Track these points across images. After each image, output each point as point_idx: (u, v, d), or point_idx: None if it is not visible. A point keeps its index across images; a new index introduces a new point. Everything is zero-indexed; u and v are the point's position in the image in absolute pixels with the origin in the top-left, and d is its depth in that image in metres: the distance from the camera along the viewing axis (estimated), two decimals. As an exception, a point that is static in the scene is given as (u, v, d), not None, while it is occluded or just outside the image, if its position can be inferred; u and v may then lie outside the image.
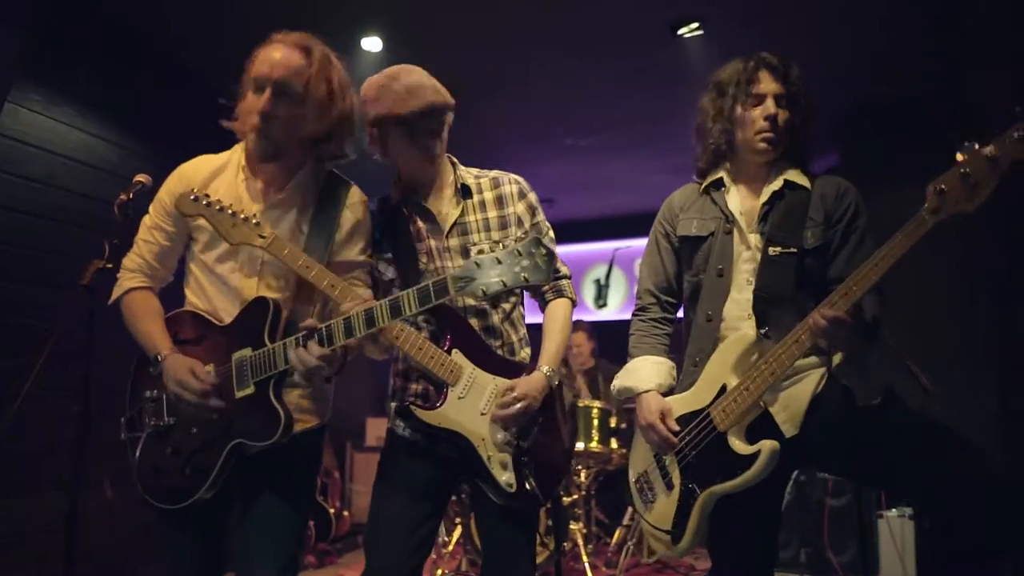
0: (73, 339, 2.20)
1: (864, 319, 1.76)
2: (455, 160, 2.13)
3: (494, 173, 2.14)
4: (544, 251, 1.46)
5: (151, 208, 2.00)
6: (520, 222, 2.06)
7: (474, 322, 1.98)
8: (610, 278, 7.78)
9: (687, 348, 2.08)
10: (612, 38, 4.28)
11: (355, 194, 1.96)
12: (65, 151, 3.76)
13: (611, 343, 5.90)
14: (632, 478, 2.11)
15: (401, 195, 2.05)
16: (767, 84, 1.95)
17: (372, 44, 4.33)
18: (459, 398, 1.90)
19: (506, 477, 1.87)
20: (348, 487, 5.36)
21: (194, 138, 4.58)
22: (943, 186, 1.57)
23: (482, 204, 2.06)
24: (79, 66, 3.83)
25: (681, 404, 2.00)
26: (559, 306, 2.10)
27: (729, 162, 2.07)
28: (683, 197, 2.15)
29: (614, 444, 4.45)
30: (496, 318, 2.01)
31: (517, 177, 2.13)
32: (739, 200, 2.02)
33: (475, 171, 2.14)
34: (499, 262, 1.46)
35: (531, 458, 1.92)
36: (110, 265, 2.22)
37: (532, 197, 2.12)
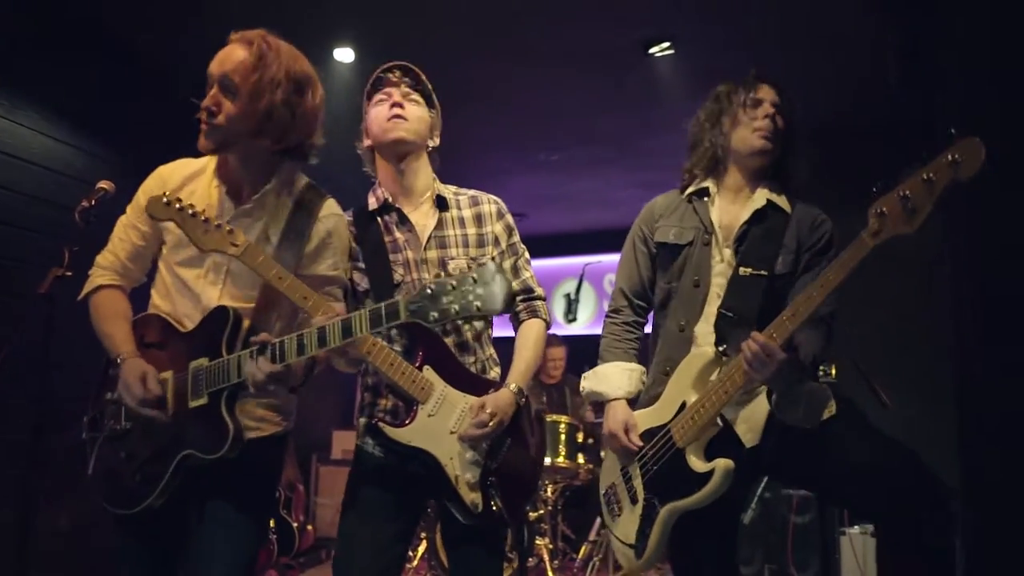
0: (30, 348, 2.14)
1: (798, 358, 1.78)
2: (436, 175, 2.12)
3: (472, 192, 2.13)
4: (502, 281, 1.43)
5: (128, 207, 1.95)
6: (497, 241, 2.06)
7: (448, 339, 1.96)
8: (580, 293, 7.81)
9: (656, 355, 2.10)
10: (584, 55, 4.32)
11: (330, 207, 1.91)
12: (28, 156, 3.69)
13: (581, 358, 5.93)
14: (602, 491, 2.14)
15: (379, 202, 2.03)
16: (767, 92, 2.03)
17: (344, 55, 4.32)
18: (429, 416, 1.87)
19: (472, 497, 1.85)
20: (313, 500, 5.29)
21: (160, 144, 4.51)
22: (884, 208, 1.61)
23: (461, 220, 2.05)
24: (43, 69, 3.76)
25: (645, 419, 2.03)
26: (532, 326, 2.08)
27: (716, 174, 2.10)
28: (665, 203, 2.17)
29: (581, 459, 4.45)
30: (469, 335, 1.99)
31: (495, 198, 2.14)
32: (720, 213, 2.05)
33: (453, 188, 2.13)
34: (453, 288, 1.44)
35: (499, 478, 1.89)
36: (69, 273, 2.18)
37: (509, 218, 2.12)
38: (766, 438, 1.87)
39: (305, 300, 1.73)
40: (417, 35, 4.16)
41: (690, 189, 2.10)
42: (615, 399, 2.07)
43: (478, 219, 2.07)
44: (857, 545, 4.12)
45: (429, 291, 1.45)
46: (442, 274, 1.89)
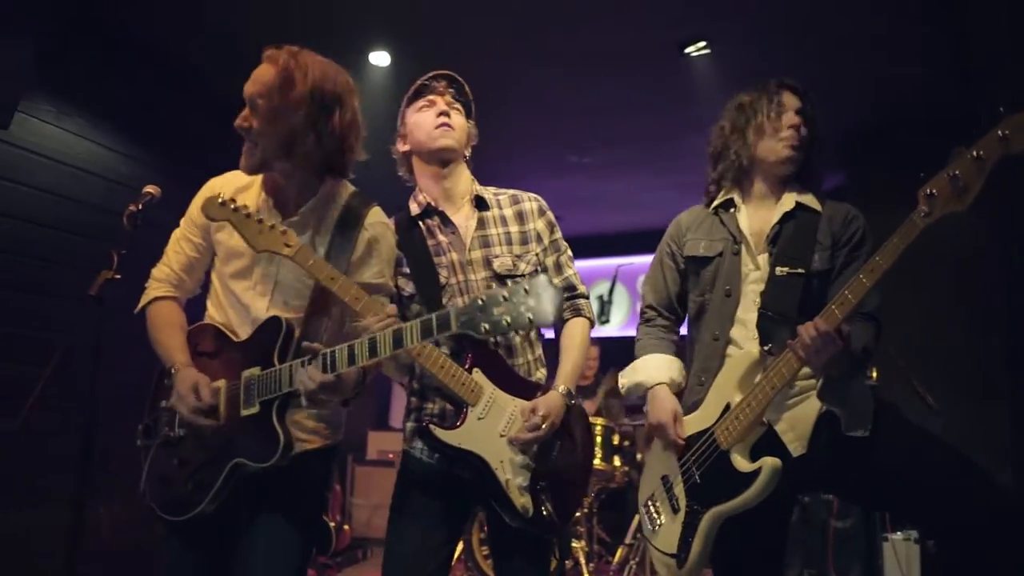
0: (80, 350, 2.19)
1: (851, 346, 1.75)
2: (473, 178, 2.14)
3: (512, 191, 2.14)
4: (553, 292, 1.42)
5: (182, 220, 1.99)
6: (539, 238, 2.05)
7: (500, 341, 1.96)
8: (613, 294, 7.78)
9: (691, 367, 2.08)
10: (619, 56, 4.30)
11: (375, 215, 1.90)
12: (74, 161, 3.78)
13: (614, 359, 5.90)
14: (641, 501, 2.10)
15: (420, 207, 2.05)
16: (790, 101, 2.02)
17: (380, 59, 4.36)
18: (478, 419, 1.87)
19: (523, 502, 1.84)
20: (349, 501, 5.33)
21: (203, 149, 4.61)
22: (933, 190, 1.62)
23: (502, 219, 2.05)
24: (90, 77, 3.86)
25: (689, 424, 1.99)
26: (577, 325, 2.06)
27: (741, 185, 2.09)
28: (691, 217, 2.16)
29: (617, 462, 4.43)
30: (518, 338, 1.98)
31: (535, 195, 2.14)
32: (749, 221, 2.04)
33: (492, 189, 2.14)
34: (504, 299, 1.43)
35: (549, 483, 1.88)
36: (118, 276, 2.22)
37: (550, 215, 2.12)
38: (814, 447, 1.83)
39: (356, 301, 1.73)
40: (451, 39, 4.19)
41: (716, 202, 2.10)
42: (657, 384, 2.04)
43: (519, 217, 2.07)
44: (900, 551, 4.04)
45: (480, 302, 1.45)
46: (488, 277, 1.92)
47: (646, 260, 8.35)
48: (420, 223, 2.04)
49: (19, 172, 3.49)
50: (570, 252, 2.12)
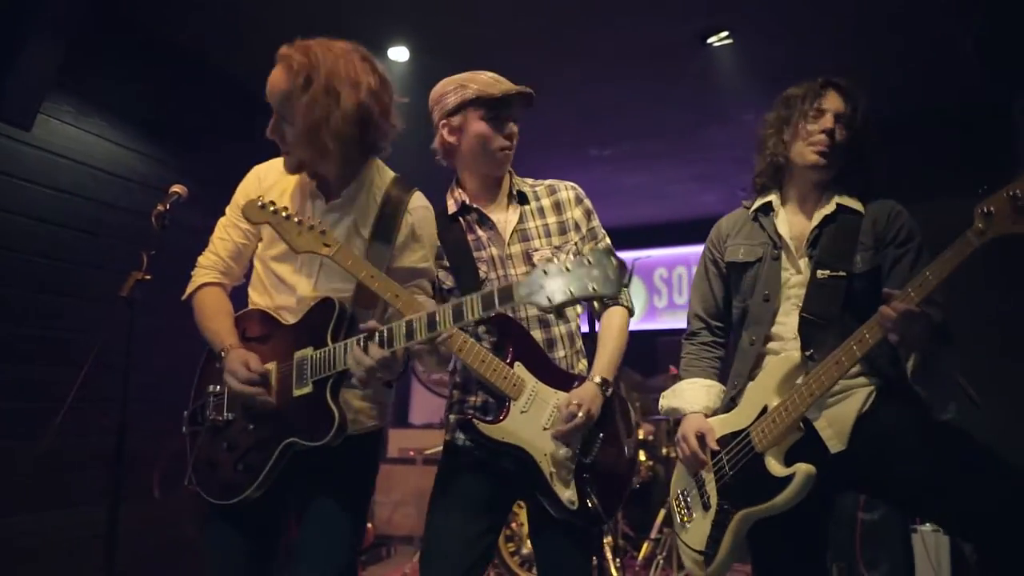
0: (110, 351, 2.19)
1: (934, 318, 1.71)
2: (512, 170, 2.12)
3: (549, 181, 2.14)
4: (615, 262, 1.39)
5: (228, 208, 2.00)
6: (577, 227, 2.05)
7: (536, 334, 1.95)
8: (629, 288, 7.76)
9: (731, 371, 2.07)
10: (640, 48, 4.27)
11: (417, 199, 1.92)
12: (95, 162, 3.77)
13: (630, 352, 5.86)
14: (672, 496, 2.10)
15: (457, 205, 2.04)
16: (832, 102, 1.97)
17: (399, 54, 4.34)
18: (521, 412, 1.86)
19: (568, 494, 1.83)
20: (371, 499, 5.33)
21: (223, 148, 4.60)
22: (991, 208, 1.56)
23: (540, 210, 2.05)
24: (109, 77, 3.85)
25: (723, 424, 1.98)
26: (616, 314, 2.05)
27: (782, 184, 2.07)
28: (731, 223, 2.15)
29: (641, 457, 4.41)
30: (559, 330, 1.97)
31: (572, 184, 2.13)
32: (788, 224, 2.02)
33: (530, 180, 2.13)
34: (567, 270, 1.39)
35: (593, 474, 1.87)
36: (149, 276, 2.23)
37: (588, 203, 2.11)
38: (854, 444, 1.80)
39: (396, 299, 1.74)
40: (470, 33, 4.17)
41: (754, 206, 2.08)
42: (692, 413, 2.03)
43: (557, 207, 2.06)
44: (930, 543, 4.01)
45: (544, 273, 1.42)
46: (526, 267, 1.91)
47: (663, 253, 8.31)
48: (460, 218, 2.03)
49: (39, 173, 3.49)
50: (608, 240, 2.10)
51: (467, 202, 2.03)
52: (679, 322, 7.94)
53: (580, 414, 1.82)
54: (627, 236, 7.67)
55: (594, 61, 4.45)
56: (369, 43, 4.17)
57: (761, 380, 1.92)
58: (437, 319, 1.59)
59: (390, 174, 1.96)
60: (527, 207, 2.04)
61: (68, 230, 3.61)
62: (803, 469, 1.76)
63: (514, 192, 2.06)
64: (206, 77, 4.47)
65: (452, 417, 2.00)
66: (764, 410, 1.88)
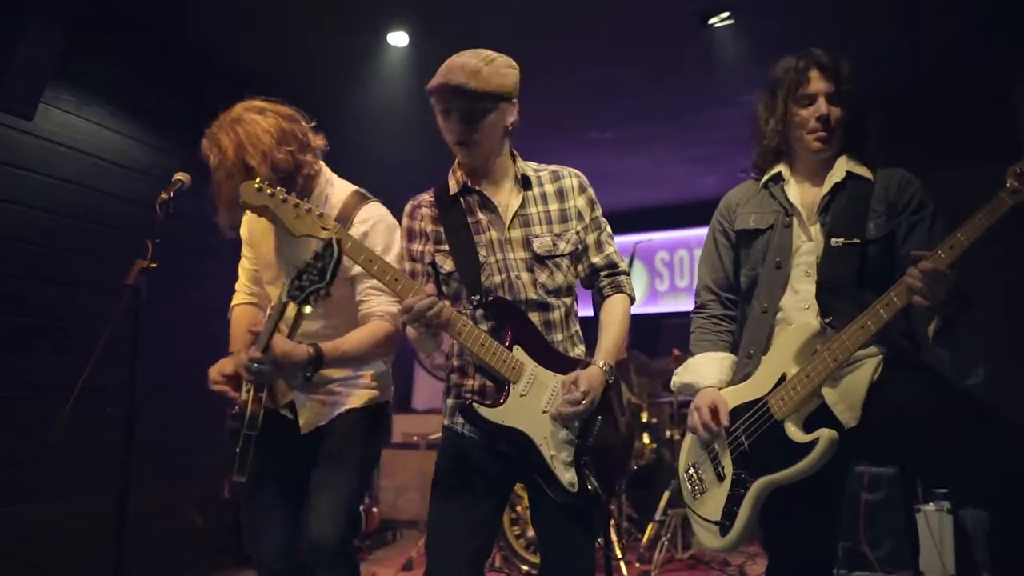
0: (114, 339, 2.19)
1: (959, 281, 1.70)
2: (516, 153, 2.08)
3: (553, 167, 2.10)
4: None
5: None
6: (580, 215, 2.03)
7: (534, 316, 1.95)
8: (631, 271, 7.76)
9: (741, 340, 2.06)
10: (640, 29, 4.25)
11: (365, 212, 2.12)
12: (96, 151, 3.77)
13: (633, 335, 5.87)
14: (682, 468, 2.08)
15: (459, 185, 2.02)
16: (817, 83, 1.94)
17: (398, 39, 4.32)
18: (521, 395, 1.87)
19: (568, 476, 1.84)
20: (376, 484, 5.37)
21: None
22: (1022, 168, 1.58)
23: (543, 196, 2.03)
24: (110, 66, 3.84)
25: (736, 395, 1.97)
26: (618, 301, 2.04)
27: (787, 158, 2.06)
28: (740, 193, 2.14)
29: (646, 439, 4.43)
30: (557, 314, 1.98)
31: (576, 171, 2.09)
32: (799, 192, 2.01)
33: (534, 164, 2.10)
34: None
35: (592, 457, 1.89)
36: (154, 264, 2.22)
37: (591, 192, 2.08)
38: (867, 416, 1.80)
39: (396, 282, 1.79)
40: (469, 17, 4.14)
41: (765, 177, 2.07)
42: (707, 387, 2.02)
43: (560, 194, 2.04)
44: (933, 522, 4.02)
45: None
46: (525, 252, 1.92)
47: (664, 236, 8.29)
48: (460, 199, 2.01)
49: (41, 163, 3.49)
50: (610, 229, 2.09)
51: (468, 183, 2.00)
52: (681, 305, 7.94)
53: (585, 401, 1.83)
54: (628, 219, 7.64)
55: (595, 44, 4.43)
56: (368, 28, 4.21)
57: (777, 349, 1.92)
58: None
59: (347, 190, 2.17)
60: (530, 192, 2.02)
61: (69, 219, 3.62)
62: (827, 434, 1.76)
63: (518, 176, 2.03)
64: (206, 66, 4.46)
65: (450, 402, 2.01)
66: (782, 379, 1.87)
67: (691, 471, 2.04)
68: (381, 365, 2.26)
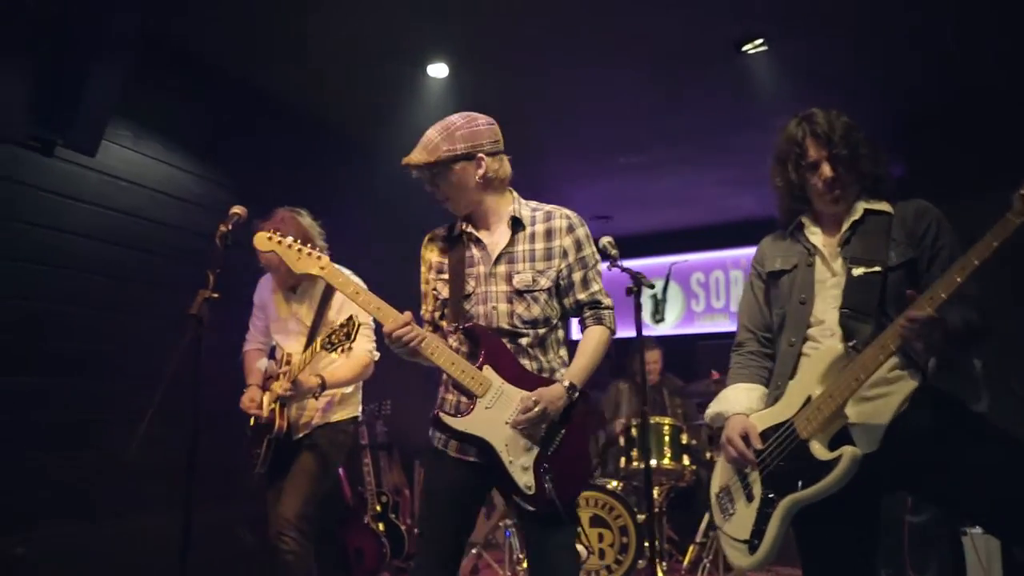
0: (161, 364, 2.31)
1: (952, 325, 1.76)
2: (516, 194, 2.30)
3: (549, 207, 2.30)
4: None
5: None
6: (565, 254, 2.22)
7: (507, 342, 2.17)
8: (667, 292, 7.76)
9: (772, 375, 2.13)
10: (676, 56, 4.34)
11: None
12: (151, 183, 3.94)
13: (669, 357, 5.88)
14: (714, 491, 2.15)
15: (459, 228, 2.28)
16: (815, 150, 2.03)
17: (438, 71, 4.46)
18: (486, 408, 2.10)
19: (525, 480, 2.06)
20: (418, 504, 5.43)
21: (273, 167, 4.74)
22: None
23: (532, 236, 2.23)
24: (164, 101, 4.02)
25: (764, 419, 2.03)
26: (597, 331, 2.25)
27: (808, 211, 2.16)
28: (771, 240, 2.25)
29: (686, 461, 4.44)
30: (526, 340, 2.18)
31: (570, 212, 2.28)
32: (821, 235, 2.10)
33: (533, 204, 2.31)
34: None
35: (552, 465, 2.09)
36: (216, 295, 2.35)
37: (581, 232, 2.26)
38: (887, 444, 1.84)
39: (378, 311, 2.14)
40: (508, 49, 4.26)
41: (790, 228, 2.18)
42: (735, 414, 2.10)
43: (548, 234, 2.23)
44: (980, 546, 3.97)
45: None
46: (507, 287, 2.18)
47: (699, 257, 8.30)
48: (463, 237, 2.27)
49: (102, 196, 3.66)
50: (600, 267, 2.30)
51: (464, 227, 2.27)
52: (717, 326, 7.94)
53: (536, 409, 2.05)
54: (663, 241, 7.71)
55: (630, 70, 4.52)
56: (409, 60, 4.34)
57: (803, 373, 1.98)
58: None
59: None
60: (521, 233, 2.23)
61: (127, 249, 3.77)
62: (849, 451, 1.80)
63: (518, 219, 2.24)
64: (258, 101, 4.65)
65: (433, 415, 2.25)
66: (807, 400, 1.93)
67: (721, 493, 2.12)
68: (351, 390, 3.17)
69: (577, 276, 2.22)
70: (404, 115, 4.72)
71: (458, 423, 2.09)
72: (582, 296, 2.23)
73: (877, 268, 1.93)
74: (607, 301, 2.27)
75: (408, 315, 2.11)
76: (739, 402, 2.11)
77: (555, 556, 2.11)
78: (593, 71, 4.51)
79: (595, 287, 2.26)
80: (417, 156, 2.17)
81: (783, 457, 1.94)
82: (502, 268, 2.19)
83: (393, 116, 4.75)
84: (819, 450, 1.87)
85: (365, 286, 2.32)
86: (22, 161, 3.28)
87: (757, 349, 2.20)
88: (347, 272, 2.36)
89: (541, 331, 2.18)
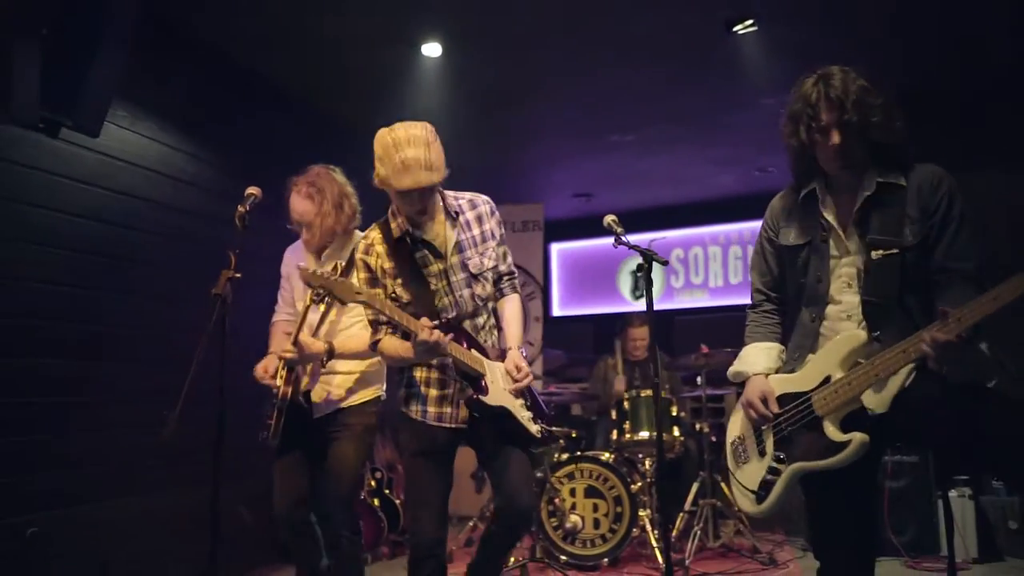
0: (180, 344, 2.35)
1: (972, 344, 1.83)
2: (440, 189, 2.41)
3: (468, 195, 2.53)
4: None
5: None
6: (494, 235, 2.52)
7: (468, 323, 2.44)
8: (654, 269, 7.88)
9: (791, 341, 2.22)
10: (666, 36, 4.40)
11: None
12: (147, 163, 3.91)
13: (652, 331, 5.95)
14: (729, 439, 2.29)
15: (400, 230, 2.38)
16: (828, 115, 1.99)
17: (432, 50, 4.47)
18: (491, 383, 2.38)
19: (535, 428, 2.44)
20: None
21: (267, 148, 4.73)
22: None
23: (467, 224, 2.48)
24: (159, 81, 3.99)
25: (784, 383, 2.14)
26: (516, 299, 2.60)
27: (821, 175, 2.15)
28: (783, 203, 2.26)
29: (675, 432, 4.57)
30: (482, 318, 2.49)
31: (486, 197, 2.55)
32: (834, 209, 2.11)
33: (452, 193, 2.49)
34: None
35: (535, 413, 2.48)
36: (238, 275, 2.38)
37: (498, 214, 2.57)
38: (896, 406, 1.94)
39: (409, 323, 2.25)
40: (500, 28, 4.28)
41: (802, 194, 2.18)
42: (755, 375, 2.20)
43: (479, 219, 2.50)
44: (956, 508, 4.17)
45: None
46: (463, 275, 2.40)
47: (680, 234, 8.36)
48: (406, 239, 2.39)
49: (100, 176, 3.63)
50: (506, 246, 2.61)
51: (407, 229, 2.38)
52: (696, 301, 8.09)
53: (526, 374, 2.41)
54: (644, 218, 7.78)
55: (621, 51, 4.57)
56: (403, 40, 4.34)
57: (826, 352, 2.07)
58: None
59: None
60: (459, 221, 2.45)
61: (124, 229, 3.76)
62: (859, 438, 1.94)
63: (450, 211, 2.43)
64: (249, 80, 4.63)
65: (402, 391, 2.49)
66: (827, 380, 2.04)
67: (736, 442, 2.26)
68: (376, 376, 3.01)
69: (501, 251, 2.54)
70: (398, 95, 4.73)
71: (491, 400, 2.35)
72: (503, 268, 2.57)
73: (895, 250, 1.97)
74: (514, 270, 2.64)
75: (427, 320, 2.24)
76: (759, 362, 2.22)
77: (530, 479, 2.49)
78: (585, 51, 4.55)
79: (510, 259, 2.61)
80: (426, 177, 2.21)
81: (797, 427, 2.07)
82: (455, 259, 2.41)
83: (387, 95, 4.75)
84: (832, 431, 2.00)
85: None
86: (32, 144, 3.26)
87: (771, 308, 2.30)
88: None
89: (490, 305, 2.53)
